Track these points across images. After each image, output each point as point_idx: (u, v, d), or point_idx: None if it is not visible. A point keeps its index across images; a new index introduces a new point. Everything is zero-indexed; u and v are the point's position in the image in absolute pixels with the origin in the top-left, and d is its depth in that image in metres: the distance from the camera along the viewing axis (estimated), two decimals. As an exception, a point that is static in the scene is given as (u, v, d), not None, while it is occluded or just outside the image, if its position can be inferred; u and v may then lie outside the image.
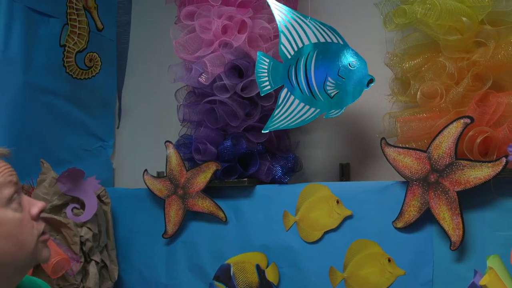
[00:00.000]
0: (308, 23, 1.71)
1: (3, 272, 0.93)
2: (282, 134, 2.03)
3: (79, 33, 2.35)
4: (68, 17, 2.29)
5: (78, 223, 1.96)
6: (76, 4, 2.33)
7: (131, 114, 2.66)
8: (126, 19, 2.70)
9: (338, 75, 1.68)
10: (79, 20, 2.35)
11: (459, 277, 1.57)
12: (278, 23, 1.72)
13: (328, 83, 1.69)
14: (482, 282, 1.39)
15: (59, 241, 1.89)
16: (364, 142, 2.03)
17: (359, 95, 1.69)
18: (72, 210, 1.95)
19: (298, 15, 1.72)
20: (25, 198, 0.99)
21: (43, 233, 1.00)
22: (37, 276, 1.82)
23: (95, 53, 2.47)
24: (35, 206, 0.99)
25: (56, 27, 2.23)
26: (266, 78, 1.73)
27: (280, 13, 1.72)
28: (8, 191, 0.93)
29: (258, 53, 1.75)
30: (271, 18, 1.84)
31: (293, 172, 2.02)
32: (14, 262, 0.93)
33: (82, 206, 1.99)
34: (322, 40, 1.69)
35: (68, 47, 2.29)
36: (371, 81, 1.68)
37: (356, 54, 1.69)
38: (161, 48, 2.51)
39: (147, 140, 2.56)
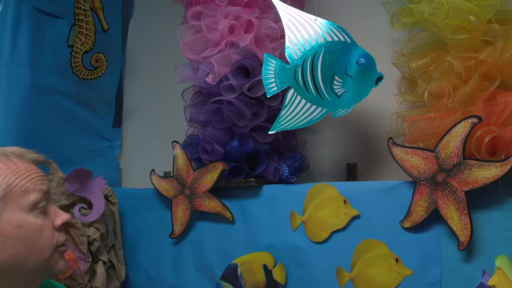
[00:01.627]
0: (314, 23, 1.70)
1: (15, 277, 0.94)
2: (289, 134, 2.03)
3: (86, 34, 2.36)
4: (76, 17, 2.30)
5: (86, 223, 1.96)
6: (83, 5, 2.33)
7: (138, 114, 2.67)
8: (129, 18, 2.71)
9: (346, 73, 1.67)
10: (86, 21, 2.35)
11: (467, 277, 1.56)
12: (284, 24, 1.71)
13: (335, 82, 1.68)
14: (490, 282, 1.39)
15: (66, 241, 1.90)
16: (371, 142, 2.02)
17: (367, 93, 1.68)
18: (79, 210, 1.96)
19: (305, 15, 1.71)
20: (53, 208, 1.02)
21: (62, 244, 1.01)
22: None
23: (101, 54, 2.48)
24: (60, 217, 1.02)
25: (64, 28, 2.23)
26: (273, 80, 1.73)
27: (286, 14, 1.72)
28: (34, 197, 0.96)
29: (265, 55, 1.74)
30: (277, 18, 1.84)
31: (300, 172, 2.02)
32: (27, 267, 0.94)
33: (90, 206, 1.99)
34: (329, 39, 1.69)
35: (76, 47, 2.30)
36: (380, 78, 1.67)
37: (365, 52, 1.67)
38: (168, 48, 2.51)
39: (153, 140, 2.56)
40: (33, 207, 0.95)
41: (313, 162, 2.11)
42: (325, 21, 1.70)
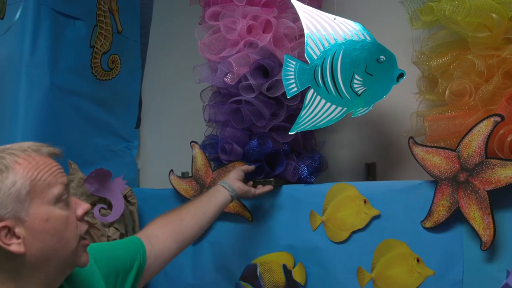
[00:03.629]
0: (334, 22, 1.69)
1: (45, 269, 0.98)
2: (308, 134, 2.02)
3: (105, 35, 2.38)
4: (98, 18, 2.32)
5: (106, 223, 1.98)
6: (103, 6, 2.35)
7: (155, 115, 2.68)
8: (149, 19, 2.72)
9: (366, 71, 1.66)
10: (105, 22, 2.37)
11: (490, 278, 1.54)
12: (303, 24, 1.70)
13: (355, 81, 1.67)
14: (515, 282, 1.37)
15: (87, 241, 1.91)
16: (390, 141, 2.01)
17: (388, 91, 1.66)
18: (99, 211, 1.97)
19: (323, 14, 1.71)
20: (72, 199, 1.05)
21: (84, 238, 1.06)
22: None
23: (116, 55, 2.49)
24: (81, 207, 1.06)
25: (83, 29, 2.25)
26: (293, 81, 1.72)
27: (305, 13, 1.71)
28: (57, 190, 0.99)
29: (284, 56, 1.74)
30: (296, 17, 1.83)
31: (319, 171, 2.01)
32: (56, 260, 0.99)
33: (109, 206, 2.01)
34: (348, 38, 1.68)
35: (96, 48, 2.32)
36: (401, 75, 1.65)
37: (385, 49, 1.66)
38: (186, 48, 2.52)
39: (171, 141, 2.57)
40: (58, 200, 0.99)
41: (332, 162, 2.11)
42: (344, 19, 1.69)
